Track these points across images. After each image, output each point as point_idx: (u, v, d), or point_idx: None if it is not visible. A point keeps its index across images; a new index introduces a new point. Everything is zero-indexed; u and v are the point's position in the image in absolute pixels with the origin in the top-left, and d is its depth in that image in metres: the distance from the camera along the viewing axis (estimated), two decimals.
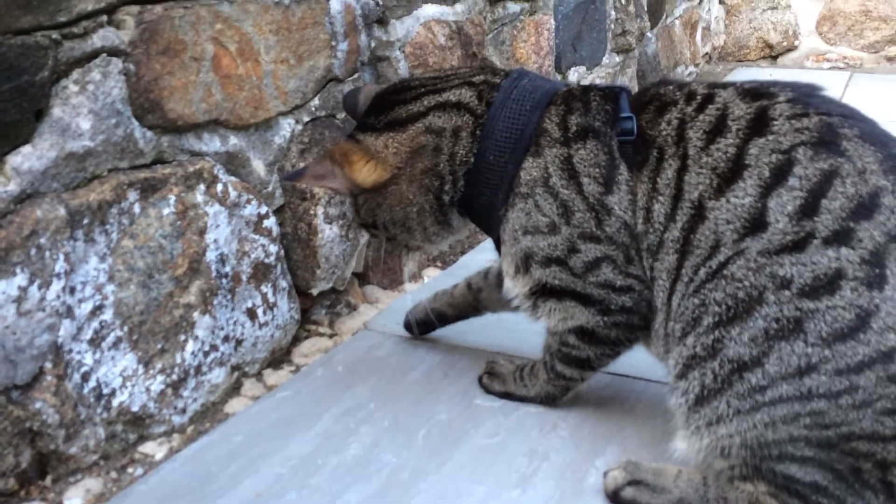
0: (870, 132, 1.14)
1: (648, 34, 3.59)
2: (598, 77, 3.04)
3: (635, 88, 2.18)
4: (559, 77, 2.77)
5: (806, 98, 1.19)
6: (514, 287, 1.37)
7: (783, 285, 1.07)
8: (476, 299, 1.64)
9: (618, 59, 3.24)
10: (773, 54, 4.77)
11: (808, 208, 1.08)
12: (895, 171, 1.09)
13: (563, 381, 1.43)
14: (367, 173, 1.36)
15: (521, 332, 1.50)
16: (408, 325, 1.71)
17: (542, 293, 1.33)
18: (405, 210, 1.40)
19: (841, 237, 1.06)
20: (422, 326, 1.69)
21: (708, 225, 1.15)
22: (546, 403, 1.46)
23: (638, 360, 1.38)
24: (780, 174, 1.12)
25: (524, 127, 1.32)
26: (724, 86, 1.26)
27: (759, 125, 1.16)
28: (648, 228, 1.23)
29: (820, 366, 1.04)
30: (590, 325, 1.32)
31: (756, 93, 1.21)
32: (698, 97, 1.24)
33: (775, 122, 1.15)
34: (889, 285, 1.03)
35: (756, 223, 1.11)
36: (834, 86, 4.02)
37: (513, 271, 1.36)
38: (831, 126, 1.13)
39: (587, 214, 1.26)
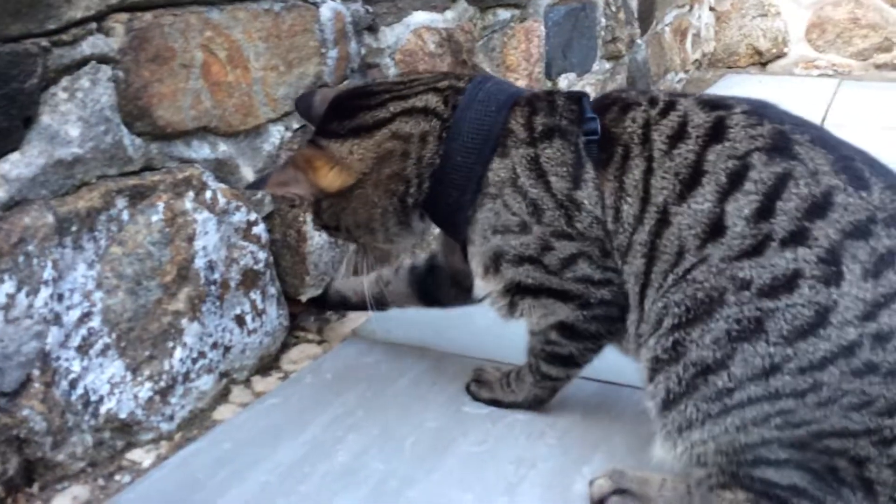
0: (820, 137, 1.18)
1: (638, 41, 3.61)
2: (588, 84, 3.05)
3: None
4: (549, 84, 2.78)
5: (760, 109, 1.23)
6: (486, 286, 1.38)
7: (743, 286, 1.09)
8: (381, 293, 1.67)
9: (608, 65, 3.25)
10: (762, 61, 4.79)
11: (765, 211, 1.11)
12: (846, 171, 1.12)
13: (550, 381, 1.43)
14: (331, 179, 1.36)
15: (509, 339, 1.50)
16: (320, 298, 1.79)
17: (518, 291, 1.34)
18: (369, 213, 1.40)
19: (797, 237, 1.08)
20: (323, 303, 1.81)
21: (672, 230, 1.18)
22: (534, 407, 1.47)
23: (625, 368, 1.39)
24: (736, 179, 1.15)
25: (490, 128, 1.33)
26: (684, 95, 1.30)
27: (716, 133, 1.20)
28: (618, 228, 1.25)
29: (783, 365, 1.05)
30: (570, 319, 1.33)
31: (714, 104, 1.25)
32: (661, 103, 1.28)
33: (731, 130, 1.19)
34: (846, 281, 1.05)
35: (715, 228, 1.14)
36: (823, 92, 4.04)
37: (482, 271, 1.37)
38: (784, 133, 1.17)
39: (557, 212, 1.28)
